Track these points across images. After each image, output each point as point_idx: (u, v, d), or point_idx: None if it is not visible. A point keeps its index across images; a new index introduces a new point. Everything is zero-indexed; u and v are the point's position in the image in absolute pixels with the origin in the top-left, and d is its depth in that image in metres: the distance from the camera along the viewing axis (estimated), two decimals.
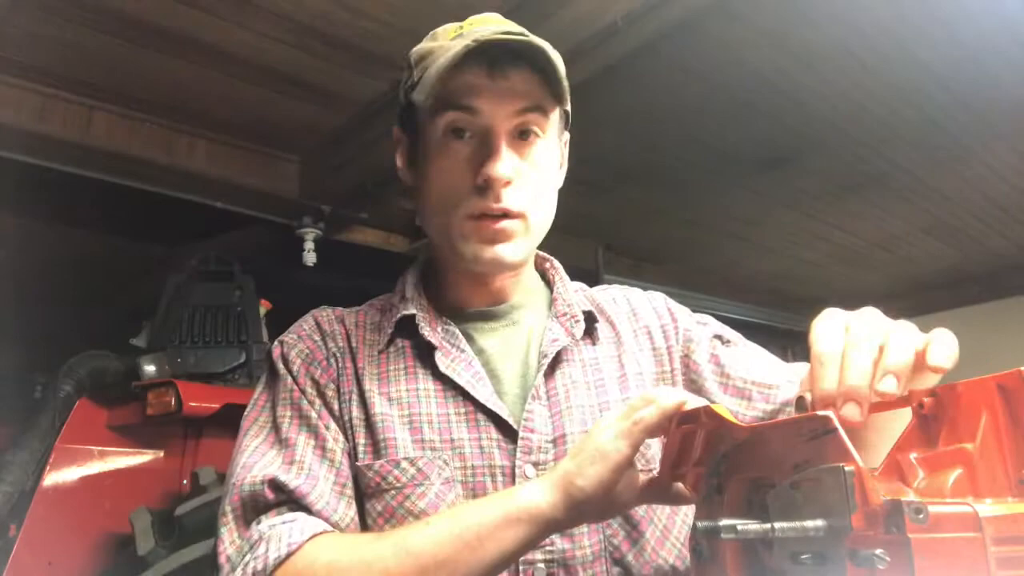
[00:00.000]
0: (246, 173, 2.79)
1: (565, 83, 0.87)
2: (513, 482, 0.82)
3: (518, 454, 0.83)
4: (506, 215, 0.86)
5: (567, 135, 0.99)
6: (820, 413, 0.48)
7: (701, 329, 0.97)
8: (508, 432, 0.85)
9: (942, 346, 0.55)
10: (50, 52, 2.22)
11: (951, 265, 4.21)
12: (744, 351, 0.96)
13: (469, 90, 0.85)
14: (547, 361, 0.89)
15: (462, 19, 0.92)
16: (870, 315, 0.59)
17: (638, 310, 1.00)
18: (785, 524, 0.46)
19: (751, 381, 0.92)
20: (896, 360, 0.54)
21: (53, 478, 2.41)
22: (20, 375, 2.83)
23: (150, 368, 2.55)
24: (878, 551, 0.42)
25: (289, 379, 0.90)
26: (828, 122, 2.73)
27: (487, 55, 0.83)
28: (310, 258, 3.00)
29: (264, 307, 2.94)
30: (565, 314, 0.95)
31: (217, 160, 2.73)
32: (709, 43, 2.28)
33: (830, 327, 0.58)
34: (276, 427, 0.88)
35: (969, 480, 0.49)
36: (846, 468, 0.44)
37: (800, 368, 0.95)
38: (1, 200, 2.54)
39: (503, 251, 0.87)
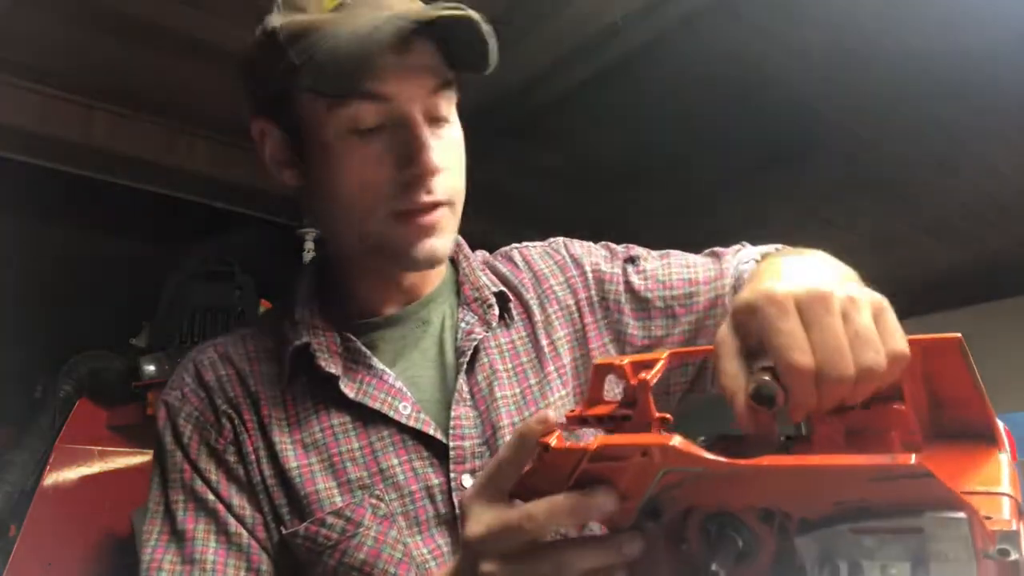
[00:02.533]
0: (246, 173, 2.78)
1: (487, 46, 0.75)
2: (451, 499, 0.76)
3: (451, 466, 0.77)
4: (436, 205, 0.77)
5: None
6: (907, 461, 0.41)
7: (610, 264, 0.91)
8: (438, 446, 0.78)
9: (895, 332, 0.49)
10: (50, 52, 2.22)
11: (951, 265, 4.21)
12: (655, 264, 0.90)
13: (375, 74, 0.72)
14: (466, 360, 0.81)
15: None
16: (822, 303, 0.49)
17: (540, 273, 0.91)
18: None
19: (670, 296, 0.86)
20: (870, 367, 0.48)
21: (53, 478, 2.41)
22: (20, 375, 2.82)
23: (150, 368, 2.55)
24: None
25: (179, 455, 0.80)
26: (828, 122, 2.73)
27: (395, 30, 0.71)
28: (310, 258, 2.99)
29: (264, 307, 2.94)
30: (476, 299, 0.86)
31: (217, 160, 2.73)
32: (709, 43, 2.28)
33: (794, 330, 0.49)
34: (171, 515, 0.79)
35: (906, 440, 0.49)
36: (963, 516, 0.42)
37: (715, 258, 0.90)
38: (1, 200, 2.54)
39: (437, 245, 0.78)
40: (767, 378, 0.48)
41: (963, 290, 4.42)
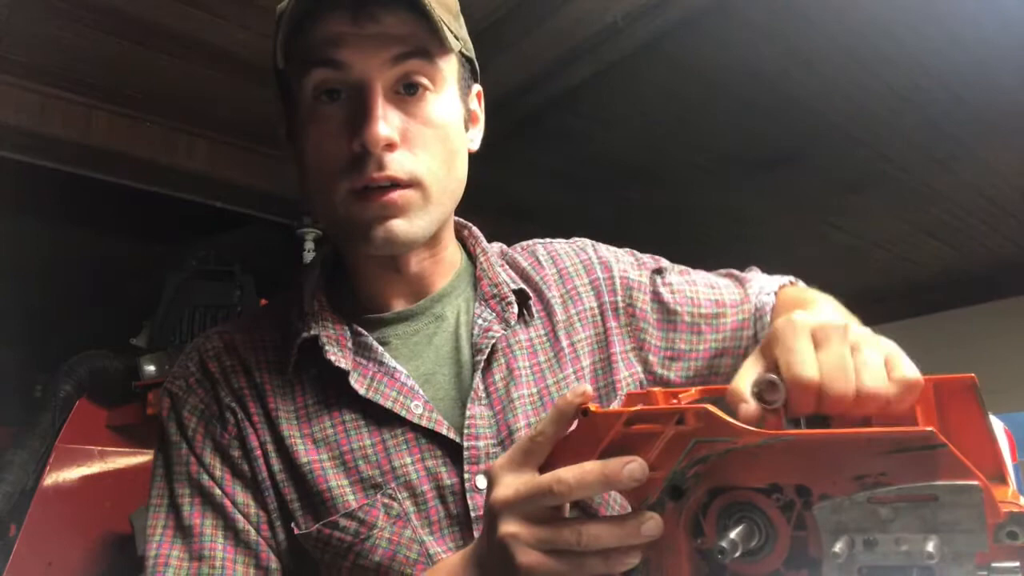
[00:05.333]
0: (246, 173, 2.79)
1: (449, 22, 0.74)
2: (464, 500, 0.75)
3: (465, 466, 0.75)
4: (395, 184, 0.73)
5: (478, 87, 0.86)
6: (922, 429, 0.45)
7: (638, 272, 0.89)
8: (452, 446, 0.76)
9: (906, 365, 0.52)
10: (50, 52, 2.22)
11: (951, 265, 4.21)
12: (679, 280, 0.90)
13: (332, 41, 0.72)
14: (483, 359, 0.79)
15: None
16: (836, 332, 0.53)
17: (565, 271, 0.88)
18: (929, 545, 0.43)
19: (698, 314, 0.87)
20: (872, 389, 0.51)
21: (53, 478, 2.41)
22: (20, 375, 2.83)
23: (150, 368, 2.55)
24: (1013, 564, 0.43)
25: (184, 448, 0.78)
26: (828, 122, 2.73)
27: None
28: (310, 258, 3.00)
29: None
30: (494, 296, 0.83)
31: (217, 160, 2.73)
32: (709, 43, 2.28)
33: (804, 348, 0.53)
34: (176, 509, 0.77)
35: None
36: (976, 484, 0.43)
37: (737, 282, 0.92)
38: (1, 200, 2.54)
39: (397, 227, 0.74)
40: (773, 376, 0.52)
41: (963, 290, 4.42)
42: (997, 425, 0.54)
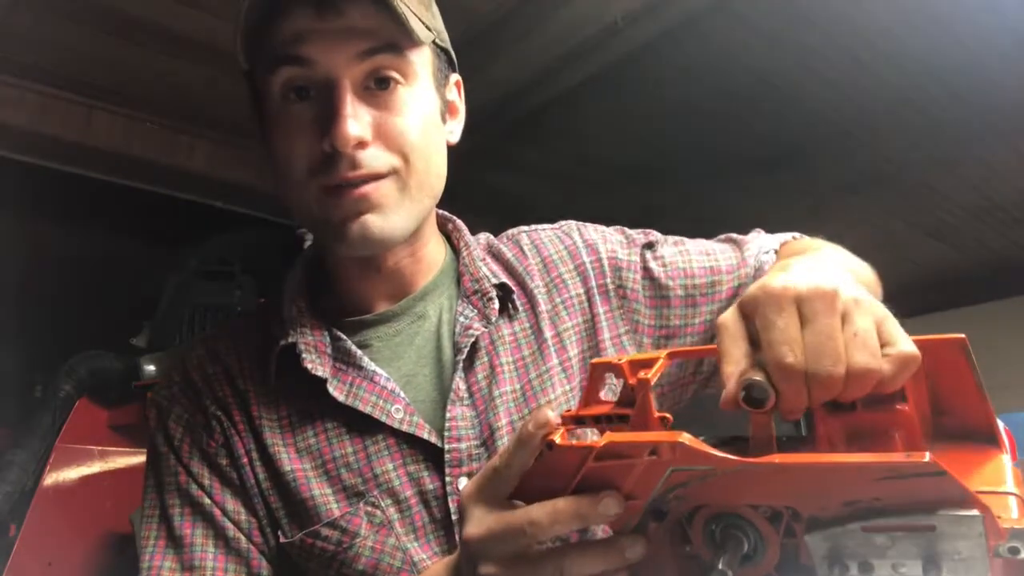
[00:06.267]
0: (246, 173, 2.79)
1: (420, 12, 0.73)
2: (447, 504, 0.74)
3: (447, 469, 0.74)
4: (370, 178, 0.71)
5: (456, 77, 0.84)
6: (920, 459, 0.40)
7: (627, 251, 0.86)
8: (434, 449, 0.75)
9: (901, 338, 0.48)
10: (50, 52, 2.22)
11: (951, 265, 4.20)
12: (672, 251, 0.87)
13: (297, 37, 0.70)
14: (463, 357, 0.77)
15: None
16: (823, 300, 0.47)
17: (549, 259, 0.86)
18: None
19: (692, 285, 0.84)
20: (863, 367, 0.46)
21: (53, 478, 2.40)
22: (20, 375, 2.82)
23: (150, 368, 2.54)
24: None
25: (172, 458, 0.78)
26: (828, 122, 2.73)
27: None
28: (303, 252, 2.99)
29: None
30: (476, 292, 0.81)
31: (217, 160, 2.73)
32: (709, 43, 2.27)
33: (786, 325, 0.47)
34: (167, 520, 0.77)
35: (909, 443, 0.48)
36: (977, 514, 0.42)
37: (735, 246, 0.87)
38: (1, 200, 2.54)
39: (372, 223, 0.72)
40: (758, 378, 0.47)
41: (963, 291, 4.41)
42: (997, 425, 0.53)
